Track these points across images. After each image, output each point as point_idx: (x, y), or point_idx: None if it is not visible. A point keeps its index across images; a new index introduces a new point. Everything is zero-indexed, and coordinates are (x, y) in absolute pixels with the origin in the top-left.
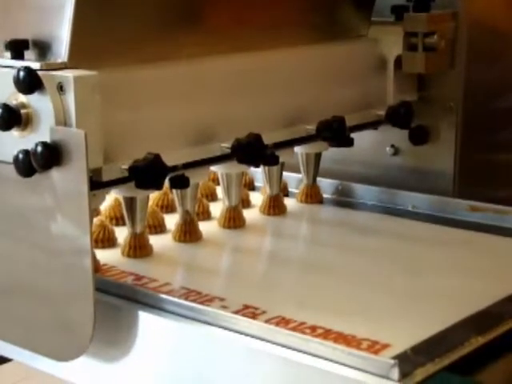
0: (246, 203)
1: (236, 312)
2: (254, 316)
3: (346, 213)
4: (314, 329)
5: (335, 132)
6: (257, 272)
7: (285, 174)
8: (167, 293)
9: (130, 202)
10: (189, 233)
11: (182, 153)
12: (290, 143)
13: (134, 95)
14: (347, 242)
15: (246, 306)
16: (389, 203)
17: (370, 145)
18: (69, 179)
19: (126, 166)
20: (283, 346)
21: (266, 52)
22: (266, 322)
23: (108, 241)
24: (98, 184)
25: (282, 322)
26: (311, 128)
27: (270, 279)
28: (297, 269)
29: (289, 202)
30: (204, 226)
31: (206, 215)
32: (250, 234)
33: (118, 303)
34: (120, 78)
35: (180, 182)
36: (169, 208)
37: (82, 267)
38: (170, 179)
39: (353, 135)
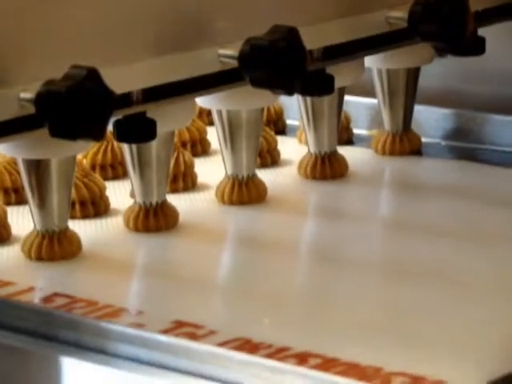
0: (272, 158)
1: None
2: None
3: (467, 168)
4: None
5: (447, 23)
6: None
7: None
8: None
9: (37, 171)
10: (154, 214)
11: (140, 69)
12: (354, 48)
13: None
14: (471, 224)
15: (246, 341)
16: None
17: None
18: None
19: (28, 94)
20: None
21: None
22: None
23: None
24: None
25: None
26: (398, 16)
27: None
28: (375, 277)
29: (354, 154)
30: (185, 200)
31: (190, 181)
32: (276, 212)
33: (22, 345)
34: None
35: (138, 130)
36: (115, 169)
37: None
38: (118, 123)
39: (483, 32)
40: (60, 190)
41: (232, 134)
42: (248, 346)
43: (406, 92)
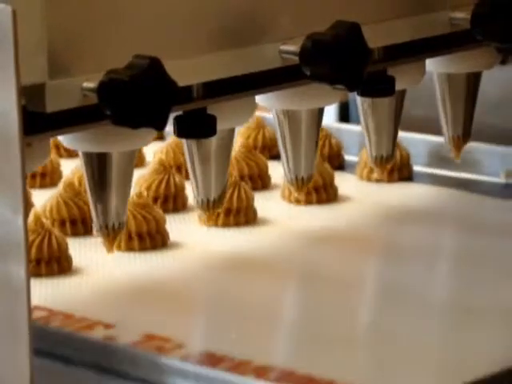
0: (327, 195)
1: None
2: None
3: None
4: None
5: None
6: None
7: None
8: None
9: (97, 164)
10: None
11: (201, 63)
12: (416, 48)
13: None
14: None
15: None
16: None
17: None
18: None
19: (91, 84)
20: None
21: None
22: None
23: (58, 262)
24: (38, 120)
25: None
26: (461, 17)
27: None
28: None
29: (413, 190)
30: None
31: (251, 215)
32: (340, 248)
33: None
34: None
35: (198, 125)
36: (178, 202)
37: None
38: (178, 119)
39: None
40: (119, 186)
41: (292, 135)
42: None
43: (467, 97)
